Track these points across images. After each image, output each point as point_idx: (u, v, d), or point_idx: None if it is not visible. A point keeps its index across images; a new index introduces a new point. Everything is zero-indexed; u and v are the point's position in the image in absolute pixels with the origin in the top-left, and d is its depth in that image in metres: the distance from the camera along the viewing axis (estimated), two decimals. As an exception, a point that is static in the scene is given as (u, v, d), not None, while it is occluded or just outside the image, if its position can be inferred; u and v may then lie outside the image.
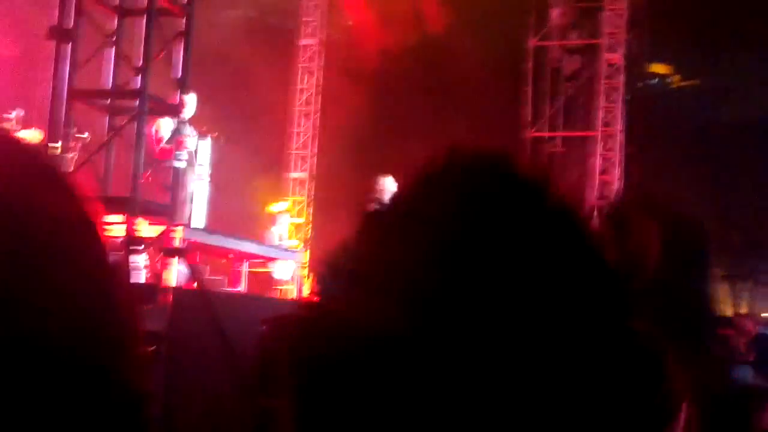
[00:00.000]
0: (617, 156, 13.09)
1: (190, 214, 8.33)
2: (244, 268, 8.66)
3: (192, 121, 8.29)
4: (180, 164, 6.17)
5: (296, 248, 10.15)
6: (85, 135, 7.54)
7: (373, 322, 0.61)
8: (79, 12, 5.11)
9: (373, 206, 0.67)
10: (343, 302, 0.64)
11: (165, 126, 7.50)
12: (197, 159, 8.43)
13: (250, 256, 8.50)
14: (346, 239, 0.66)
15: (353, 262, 0.65)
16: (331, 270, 0.66)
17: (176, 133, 5.67)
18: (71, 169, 5.21)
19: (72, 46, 5.06)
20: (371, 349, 0.60)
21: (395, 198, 0.67)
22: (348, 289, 0.65)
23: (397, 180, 9.96)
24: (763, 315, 10.90)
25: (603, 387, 0.60)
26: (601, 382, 0.60)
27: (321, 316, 0.65)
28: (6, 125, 10.56)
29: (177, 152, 5.72)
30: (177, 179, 5.72)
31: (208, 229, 7.67)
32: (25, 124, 10.82)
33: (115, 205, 5.22)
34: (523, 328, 0.58)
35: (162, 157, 6.72)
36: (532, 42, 13.78)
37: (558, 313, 0.59)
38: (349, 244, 0.66)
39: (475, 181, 0.64)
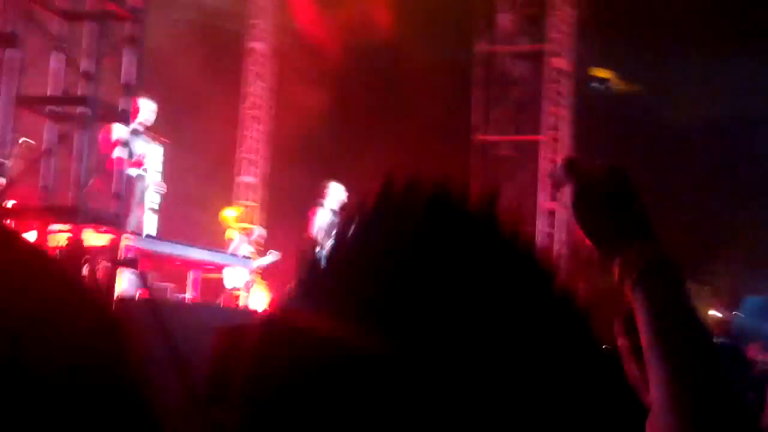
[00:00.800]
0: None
1: (141, 222, 8.21)
2: (195, 275, 8.54)
3: (148, 127, 8.17)
4: (132, 172, 6.05)
5: (251, 256, 10.05)
6: (23, 140, 7.36)
7: (332, 339, 0.60)
8: (24, 16, 4.99)
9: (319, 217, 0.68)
10: (302, 316, 0.63)
11: (118, 130, 7.35)
12: (147, 165, 8.30)
13: (201, 264, 8.39)
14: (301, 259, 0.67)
15: (311, 279, 0.65)
16: (291, 286, 0.66)
17: (131, 140, 5.56)
18: (10, 176, 5.08)
19: (18, 51, 4.93)
20: (331, 367, 0.60)
21: (344, 224, 0.67)
22: (307, 303, 0.64)
23: (346, 187, 10.00)
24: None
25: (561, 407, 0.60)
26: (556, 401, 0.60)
27: (280, 330, 0.64)
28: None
29: (131, 160, 5.61)
30: (128, 187, 5.62)
31: (158, 237, 7.55)
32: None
33: (62, 214, 5.11)
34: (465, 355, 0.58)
35: (116, 166, 6.59)
36: (481, 47, 13.89)
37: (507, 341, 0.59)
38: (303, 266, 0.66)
39: (410, 218, 0.65)
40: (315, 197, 10.37)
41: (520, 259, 0.63)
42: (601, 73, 14.36)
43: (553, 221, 13.13)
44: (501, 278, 0.62)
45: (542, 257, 0.65)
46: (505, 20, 13.95)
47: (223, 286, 9.53)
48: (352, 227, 0.66)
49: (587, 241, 0.94)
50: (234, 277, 9.24)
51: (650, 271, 0.88)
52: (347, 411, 0.59)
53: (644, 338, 0.85)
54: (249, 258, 9.59)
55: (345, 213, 0.62)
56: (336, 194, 10.04)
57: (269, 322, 0.66)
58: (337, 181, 10.22)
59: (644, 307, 0.87)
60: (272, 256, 9.99)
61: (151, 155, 8.35)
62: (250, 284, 9.90)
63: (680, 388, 0.80)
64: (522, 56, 14.30)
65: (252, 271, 9.72)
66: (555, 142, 13.27)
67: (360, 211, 0.67)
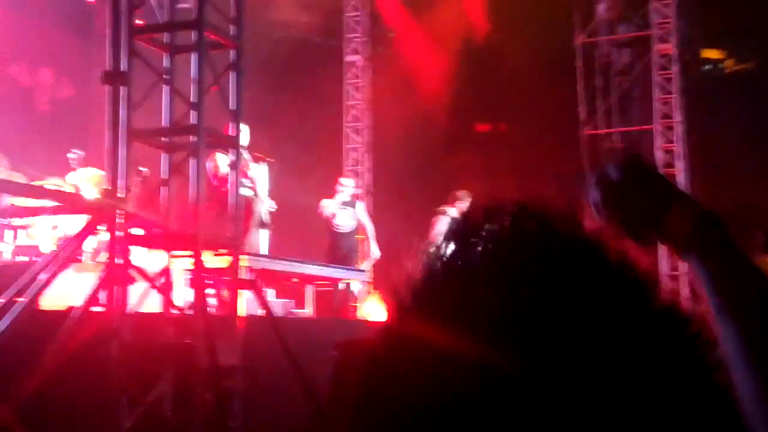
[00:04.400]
0: (679, 148, 12.79)
1: (257, 242, 8.40)
2: (312, 290, 8.67)
3: (247, 148, 8.37)
4: (244, 192, 6.19)
5: (363, 267, 10.16)
6: (145, 170, 7.64)
7: (452, 359, 0.57)
8: (131, 53, 5.16)
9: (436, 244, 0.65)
10: (419, 329, 0.60)
11: (222, 159, 7.56)
12: (257, 185, 8.49)
13: (315, 278, 8.50)
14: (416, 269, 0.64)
15: (427, 291, 0.62)
16: (407, 294, 0.63)
17: (236, 162, 5.68)
18: (134, 206, 5.26)
19: (127, 87, 5.11)
20: (451, 388, 0.56)
21: (461, 242, 0.64)
22: (424, 315, 0.60)
23: (456, 190, 9.98)
24: None
25: None
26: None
27: (394, 345, 0.61)
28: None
29: (241, 180, 5.73)
30: (240, 208, 5.73)
31: (273, 256, 7.69)
32: (86, 163, 11.05)
33: (183, 240, 5.25)
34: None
35: (223, 189, 6.76)
36: (580, 39, 13.58)
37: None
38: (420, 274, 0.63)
39: (544, 251, 0.62)
40: (441, 205, 10.38)
41: (627, 283, 0.61)
42: (712, 54, 13.79)
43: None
44: (613, 303, 0.60)
45: (647, 279, 0.62)
46: (603, 9, 13.61)
47: (340, 299, 9.63)
48: (476, 241, 0.63)
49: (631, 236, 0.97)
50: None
51: (699, 227, 0.90)
52: None
53: (708, 300, 0.86)
54: (363, 271, 9.67)
55: (463, 221, 0.60)
56: (462, 203, 10.11)
57: (383, 336, 0.62)
58: (438, 185, 10.29)
59: (702, 267, 0.88)
60: (369, 261, 10.28)
61: (259, 175, 8.55)
62: (364, 295, 10.00)
63: (752, 341, 0.80)
64: (625, 44, 13.91)
65: (363, 282, 9.81)
66: (669, 130, 12.82)
67: (485, 226, 0.64)
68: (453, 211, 10.10)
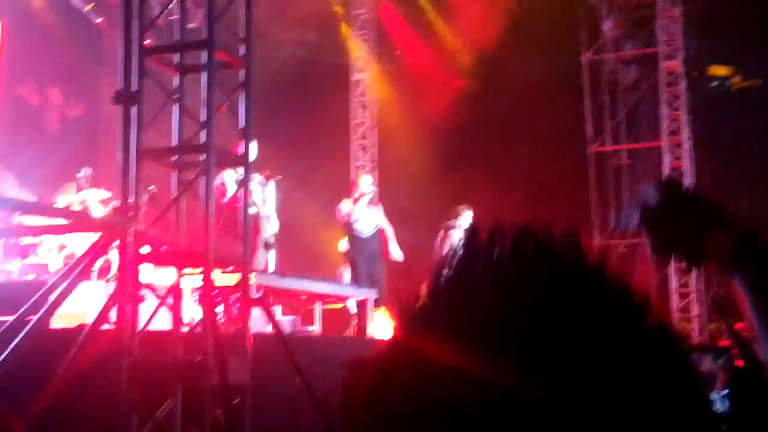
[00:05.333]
0: (687, 165, 12.79)
1: (266, 260, 8.41)
2: (320, 307, 8.68)
3: (255, 167, 8.40)
4: (251, 210, 6.22)
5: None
6: (152, 187, 7.67)
7: (459, 374, 0.59)
8: (142, 74, 5.20)
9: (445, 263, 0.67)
10: (425, 345, 0.62)
11: (229, 177, 7.59)
12: (265, 203, 8.52)
13: (323, 296, 8.51)
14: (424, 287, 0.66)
15: (434, 306, 0.64)
16: (412, 311, 0.65)
17: (246, 180, 5.70)
18: (144, 225, 5.29)
19: (138, 107, 5.15)
20: (453, 404, 0.58)
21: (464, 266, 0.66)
22: (430, 331, 0.63)
23: (461, 205, 9.99)
24: None
25: None
26: None
27: (400, 360, 0.63)
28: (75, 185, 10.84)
29: (247, 199, 5.76)
30: (248, 226, 5.76)
31: (281, 273, 7.71)
32: (94, 182, 11.10)
33: (194, 258, 5.27)
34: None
35: (231, 208, 6.79)
36: (587, 56, 13.62)
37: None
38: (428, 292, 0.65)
39: (544, 276, 0.64)
40: (445, 221, 10.39)
41: (617, 303, 0.63)
42: (720, 71, 13.80)
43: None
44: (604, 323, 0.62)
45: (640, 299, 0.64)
46: (609, 26, 13.65)
47: (348, 316, 9.63)
48: (479, 261, 0.65)
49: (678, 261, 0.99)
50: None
51: (739, 246, 0.92)
52: None
53: (751, 316, 0.88)
54: (373, 288, 9.67)
55: (467, 242, 0.62)
56: (466, 220, 10.15)
57: (390, 351, 0.64)
58: (448, 203, 10.28)
59: (745, 285, 0.90)
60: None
61: (266, 193, 8.58)
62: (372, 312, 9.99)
63: None
64: (632, 62, 13.95)
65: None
66: (677, 147, 12.82)
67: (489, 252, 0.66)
68: (457, 231, 10.15)
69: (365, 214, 9.74)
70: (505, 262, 0.65)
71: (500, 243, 0.66)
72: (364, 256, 9.68)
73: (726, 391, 5.75)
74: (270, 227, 8.59)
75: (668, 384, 0.61)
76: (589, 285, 0.63)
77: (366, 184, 9.95)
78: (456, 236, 10.05)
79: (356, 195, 9.87)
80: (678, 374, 0.62)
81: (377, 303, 9.19)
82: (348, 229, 9.74)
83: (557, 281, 0.63)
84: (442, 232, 10.19)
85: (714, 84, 13.92)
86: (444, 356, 0.60)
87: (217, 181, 7.91)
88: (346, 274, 10.04)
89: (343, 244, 12.98)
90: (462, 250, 0.66)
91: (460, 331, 0.61)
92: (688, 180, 12.74)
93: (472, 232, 0.68)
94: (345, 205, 9.87)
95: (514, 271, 0.64)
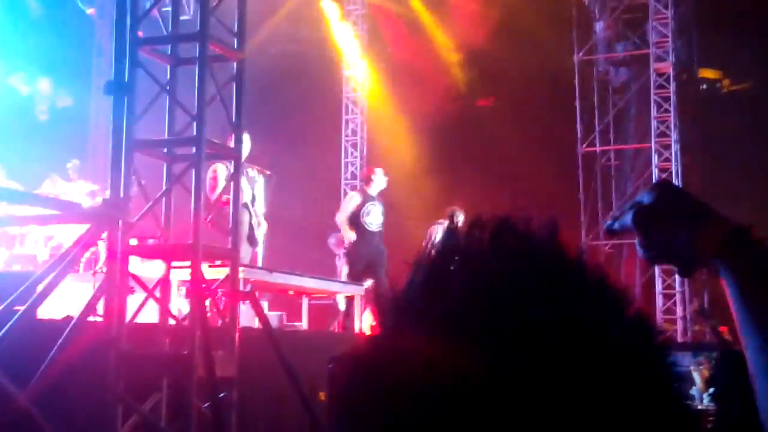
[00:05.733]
0: (676, 167, 12.86)
1: (252, 254, 8.40)
2: (305, 302, 8.68)
3: (247, 160, 8.38)
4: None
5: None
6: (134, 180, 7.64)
7: (435, 366, 0.59)
8: (134, 64, 5.18)
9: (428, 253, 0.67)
10: (402, 336, 0.62)
11: (221, 171, 7.57)
12: (255, 198, 8.50)
13: (312, 291, 8.51)
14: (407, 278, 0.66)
15: (416, 300, 0.64)
16: (393, 305, 0.65)
17: (237, 174, 5.69)
18: (134, 218, 5.27)
19: (129, 98, 5.13)
20: (431, 394, 0.58)
21: (444, 254, 0.66)
22: (407, 322, 0.63)
23: (451, 203, 10.02)
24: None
25: None
26: None
27: (379, 352, 0.63)
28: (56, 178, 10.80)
29: (238, 193, 5.75)
30: (237, 221, 5.74)
31: (269, 268, 7.69)
32: (82, 174, 11.06)
33: (182, 251, 5.26)
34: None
35: (221, 202, 6.78)
36: (578, 57, 13.67)
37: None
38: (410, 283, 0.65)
39: (524, 267, 0.64)
40: (437, 218, 10.42)
41: (595, 292, 0.64)
42: (709, 74, 13.87)
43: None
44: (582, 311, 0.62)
45: (617, 291, 0.64)
46: (601, 28, 13.70)
47: (336, 311, 9.63)
48: (457, 256, 0.65)
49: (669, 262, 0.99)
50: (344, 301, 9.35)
51: (729, 242, 0.92)
52: None
53: (737, 314, 0.89)
54: (362, 285, 9.66)
55: (446, 235, 0.62)
56: (457, 219, 10.16)
57: (369, 345, 0.65)
58: (437, 202, 10.29)
59: (731, 281, 0.90)
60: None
61: (255, 189, 8.56)
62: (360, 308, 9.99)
63: None
64: (623, 63, 14.01)
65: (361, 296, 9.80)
66: (665, 148, 12.88)
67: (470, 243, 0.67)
68: (440, 228, 10.19)
69: (376, 207, 9.47)
70: (484, 253, 0.65)
71: (479, 235, 0.66)
72: (370, 250, 9.34)
73: (712, 390, 5.79)
74: (256, 222, 8.55)
75: (645, 375, 0.61)
76: (568, 276, 0.63)
77: (380, 176, 9.62)
78: (439, 232, 10.08)
79: (369, 187, 9.58)
80: (655, 366, 0.62)
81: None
82: (355, 221, 9.37)
83: (536, 273, 0.63)
84: (432, 229, 10.23)
85: (704, 87, 13.99)
86: (421, 349, 0.60)
87: (209, 174, 7.90)
88: (343, 269, 9.95)
89: (332, 239, 12.95)
90: (440, 242, 0.66)
91: (436, 322, 0.61)
92: (676, 182, 12.81)
93: (450, 224, 0.68)
94: (356, 197, 9.62)
95: (494, 263, 0.64)
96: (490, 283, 0.62)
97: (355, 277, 9.26)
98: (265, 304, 8.07)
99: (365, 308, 9.11)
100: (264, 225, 8.70)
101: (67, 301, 6.22)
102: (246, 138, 8.31)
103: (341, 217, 9.45)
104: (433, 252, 0.66)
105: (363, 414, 0.62)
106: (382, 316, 0.66)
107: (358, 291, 8.61)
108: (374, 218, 9.42)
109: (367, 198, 9.47)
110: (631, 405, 0.59)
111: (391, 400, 0.60)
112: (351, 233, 9.33)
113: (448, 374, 0.58)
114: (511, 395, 0.58)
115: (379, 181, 9.55)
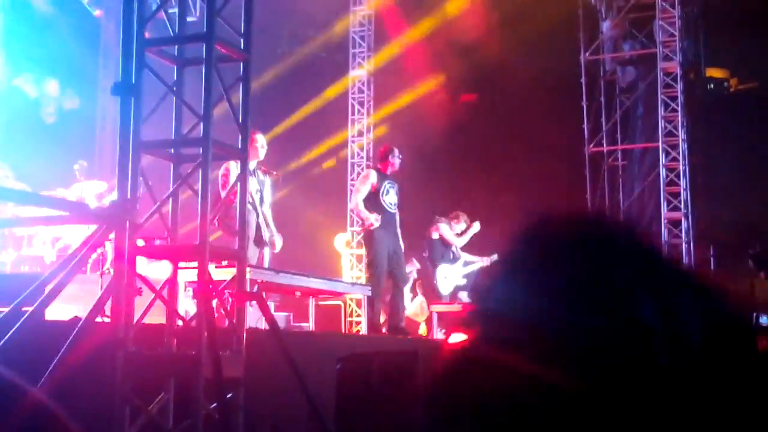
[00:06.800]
0: (683, 166, 12.81)
1: (258, 255, 8.39)
2: (312, 303, 8.67)
3: (261, 162, 8.40)
4: (249, 206, 6.20)
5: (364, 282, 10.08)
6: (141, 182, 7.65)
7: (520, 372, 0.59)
8: (141, 65, 5.19)
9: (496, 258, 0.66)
10: (497, 343, 0.62)
11: (234, 168, 7.56)
12: (263, 200, 8.50)
13: (318, 292, 8.50)
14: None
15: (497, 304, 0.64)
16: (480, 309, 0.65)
17: (243, 174, 5.69)
18: (142, 219, 5.27)
19: (136, 99, 5.13)
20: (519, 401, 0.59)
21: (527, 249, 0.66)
22: (491, 312, 0.63)
23: (459, 203, 9.99)
24: None
25: None
26: None
27: (468, 357, 0.64)
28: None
29: (245, 194, 5.74)
30: (244, 221, 5.74)
31: (276, 269, 7.69)
32: (89, 175, 11.08)
33: (189, 252, 5.26)
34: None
35: (228, 201, 6.78)
36: (585, 56, 13.64)
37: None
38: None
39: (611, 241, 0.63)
40: (439, 220, 10.42)
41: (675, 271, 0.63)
42: (717, 73, 13.83)
43: (678, 231, 12.62)
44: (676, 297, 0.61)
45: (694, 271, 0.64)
46: (608, 27, 13.67)
47: (340, 313, 9.62)
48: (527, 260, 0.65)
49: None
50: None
51: None
52: None
53: None
54: (364, 285, 9.66)
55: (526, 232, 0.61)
56: (460, 224, 10.21)
57: (457, 351, 0.65)
58: (445, 201, 10.28)
59: None
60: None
61: (264, 191, 8.55)
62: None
63: None
64: (630, 62, 13.97)
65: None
66: (673, 148, 12.84)
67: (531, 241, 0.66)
68: (444, 227, 10.24)
69: (393, 187, 8.97)
70: (565, 243, 0.64)
71: (555, 227, 0.65)
72: (390, 232, 8.84)
73: None
74: (263, 223, 8.54)
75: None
76: (664, 266, 0.63)
77: (396, 155, 9.11)
78: (444, 230, 10.18)
79: (385, 165, 9.08)
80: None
81: (400, 285, 8.94)
82: (374, 201, 8.81)
83: (619, 260, 0.62)
84: (433, 227, 10.29)
85: (711, 86, 13.94)
86: (510, 352, 0.60)
87: (221, 171, 7.91)
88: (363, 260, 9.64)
89: (340, 240, 12.95)
90: (515, 236, 0.66)
91: (522, 309, 0.61)
92: (683, 181, 12.77)
93: (525, 218, 0.67)
94: (372, 174, 9.01)
95: (576, 251, 0.64)
96: (574, 272, 0.62)
97: (379, 264, 8.75)
98: (272, 305, 8.08)
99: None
100: (279, 242, 8.56)
101: (73, 302, 6.23)
102: (262, 139, 8.33)
103: (358, 198, 8.91)
104: (513, 249, 0.66)
105: (454, 417, 0.62)
106: (469, 321, 0.65)
107: (364, 292, 8.59)
108: (392, 198, 8.93)
109: (383, 176, 8.96)
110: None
111: (480, 404, 0.60)
112: (373, 215, 8.71)
113: (536, 382, 0.59)
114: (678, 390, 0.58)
115: (395, 161, 9.08)
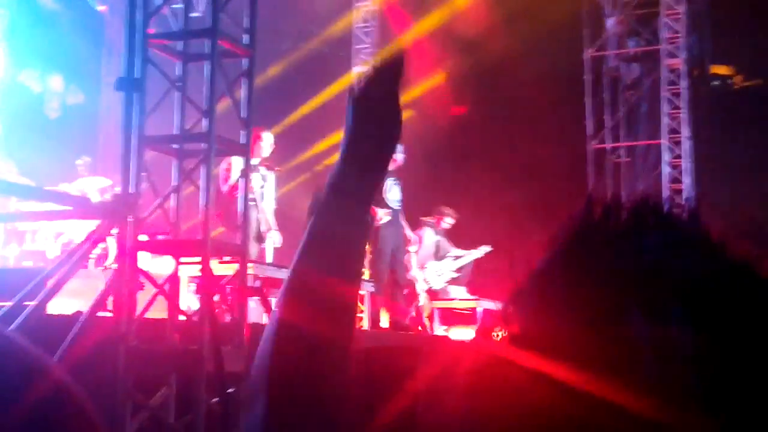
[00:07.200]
0: (687, 163, 12.79)
1: (259, 251, 8.40)
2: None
3: (265, 158, 8.41)
4: (250, 202, 6.23)
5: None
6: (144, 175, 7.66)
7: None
8: (145, 61, 5.20)
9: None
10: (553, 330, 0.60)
11: (236, 164, 7.56)
12: (264, 194, 8.50)
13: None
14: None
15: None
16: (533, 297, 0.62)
17: (246, 170, 5.71)
18: (144, 214, 5.29)
19: (139, 94, 5.14)
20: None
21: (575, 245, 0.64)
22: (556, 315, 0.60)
23: (461, 199, 9.96)
24: None
25: None
26: None
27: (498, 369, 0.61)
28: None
29: (247, 189, 5.76)
30: (247, 216, 5.75)
31: (278, 264, 7.70)
32: (93, 170, 11.09)
33: (191, 247, 5.27)
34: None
35: (230, 196, 6.79)
36: (589, 53, 13.61)
37: None
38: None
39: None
40: (428, 217, 10.42)
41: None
42: (721, 70, 13.80)
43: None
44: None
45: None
46: (612, 23, 13.64)
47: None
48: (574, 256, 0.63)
49: None
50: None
51: None
52: None
53: None
54: (367, 281, 9.65)
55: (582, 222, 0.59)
56: (448, 220, 10.20)
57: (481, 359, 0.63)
58: (448, 196, 10.26)
59: None
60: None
61: (266, 187, 8.56)
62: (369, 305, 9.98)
63: None
64: (634, 59, 13.95)
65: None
66: (677, 145, 12.82)
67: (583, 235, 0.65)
68: (442, 226, 10.23)
69: (396, 184, 8.91)
70: (626, 233, 0.63)
71: (615, 216, 0.64)
72: (393, 229, 8.78)
73: None
74: (264, 219, 8.53)
75: None
76: (718, 256, 0.61)
77: (399, 151, 8.84)
78: (429, 236, 10.10)
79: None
80: None
81: (400, 281, 8.95)
82: (377, 198, 8.82)
83: (683, 250, 0.61)
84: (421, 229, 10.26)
85: (715, 83, 13.91)
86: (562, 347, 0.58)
87: (223, 165, 7.90)
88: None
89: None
90: (576, 224, 0.64)
91: (581, 300, 0.59)
92: (687, 179, 12.76)
93: (586, 207, 0.66)
94: (428, 237, 9.21)
95: (637, 241, 0.62)
96: (637, 263, 0.61)
97: (382, 261, 8.71)
98: (273, 300, 8.07)
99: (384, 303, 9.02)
100: (278, 238, 8.57)
101: (76, 297, 6.25)
102: (269, 137, 8.34)
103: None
104: (568, 238, 0.64)
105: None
106: (521, 310, 0.63)
107: (367, 287, 8.59)
108: (395, 195, 8.88)
109: (387, 173, 9.04)
110: None
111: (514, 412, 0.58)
112: (381, 210, 8.56)
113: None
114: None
115: (399, 157, 8.92)
